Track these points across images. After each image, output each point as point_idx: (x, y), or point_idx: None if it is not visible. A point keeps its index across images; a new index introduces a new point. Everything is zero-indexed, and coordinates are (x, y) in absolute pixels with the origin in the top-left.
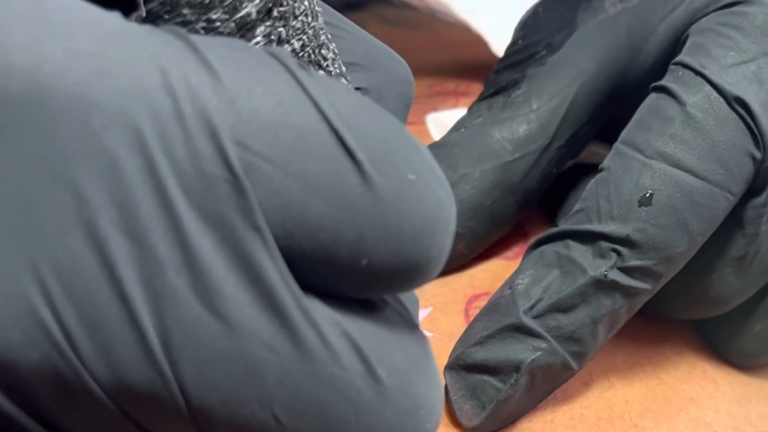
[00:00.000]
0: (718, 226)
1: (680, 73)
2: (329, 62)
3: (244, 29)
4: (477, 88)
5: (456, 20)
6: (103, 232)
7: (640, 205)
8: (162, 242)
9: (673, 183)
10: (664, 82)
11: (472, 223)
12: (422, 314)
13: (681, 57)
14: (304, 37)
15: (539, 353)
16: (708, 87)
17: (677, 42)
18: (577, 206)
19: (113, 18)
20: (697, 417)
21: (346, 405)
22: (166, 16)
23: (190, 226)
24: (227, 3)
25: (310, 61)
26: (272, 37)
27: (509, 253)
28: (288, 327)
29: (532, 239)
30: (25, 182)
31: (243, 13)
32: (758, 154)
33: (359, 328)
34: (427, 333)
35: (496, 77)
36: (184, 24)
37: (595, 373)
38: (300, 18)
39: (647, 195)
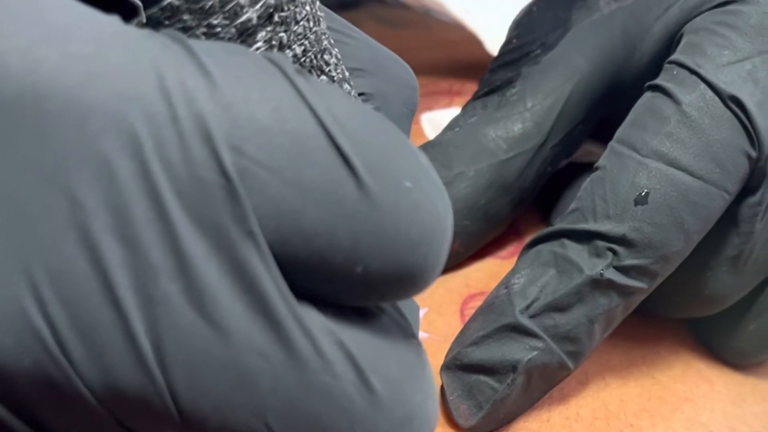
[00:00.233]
0: (714, 224)
1: (675, 72)
2: (332, 67)
3: (245, 34)
4: (471, 88)
5: (451, 19)
6: (96, 236)
7: (636, 204)
8: (155, 248)
9: (669, 182)
10: (659, 81)
11: (467, 222)
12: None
13: (676, 56)
14: (306, 42)
15: (536, 353)
16: (703, 86)
17: (672, 41)
18: (572, 205)
19: (111, 21)
20: (693, 416)
21: (338, 414)
22: (167, 22)
23: (183, 231)
24: (228, 8)
25: (312, 67)
26: (273, 42)
27: (504, 253)
28: (281, 335)
29: (527, 239)
30: (20, 186)
31: (244, 18)
32: (753, 153)
33: (353, 336)
34: (422, 334)
35: (490, 76)
36: (185, 29)
37: (591, 373)
38: (301, 23)
39: (643, 194)
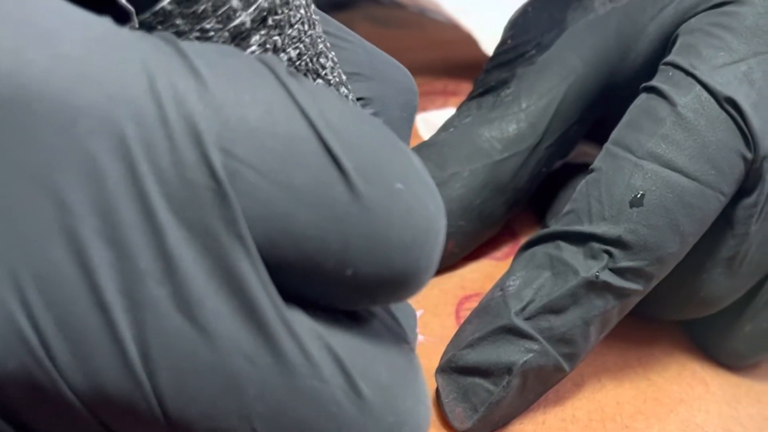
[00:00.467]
0: (709, 226)
1: (671, 74)
2: (327, 71)
3: (239, 38)
4: (466, 88)
5: (446, 19)
6: (84, 240)
7: (631, 206)
8: (143, 251)
9: (665, 184)
10: (654, 82)
11: (462, 222)
12: None
13: (671, 57)
14: (301, 45)
15: (531, 355)
16: (699, 87)
17: (667, 41)
18: (567, 207)
19: (102, 23)
20: (688, 418)
21: (326, 419)
22: (159, 27)
23: (171, 235)
24: (221, 12)
25: (308, 70)
26: (267, 45)
27: (499, 254)
28: (269, 339)
29: (522, 240)
30: (7, 188)
31: (237, 22)
32: (749, 155)
33: (343, 341)
34: (418, 337)
35: (485, 76)
36: (178, 34)
37: (587, 374)
38: (296, 26)
39: (638, 196)
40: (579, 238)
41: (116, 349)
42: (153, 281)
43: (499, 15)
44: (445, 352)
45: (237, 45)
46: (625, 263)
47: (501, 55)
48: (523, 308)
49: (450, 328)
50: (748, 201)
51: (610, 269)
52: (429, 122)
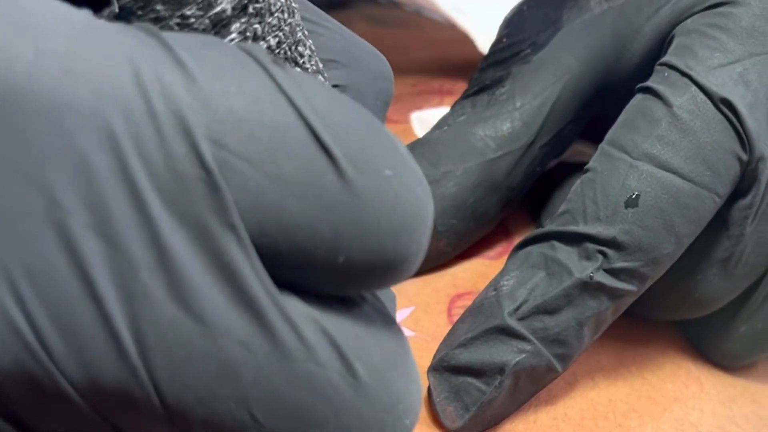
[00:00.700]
0: (704, 227)
1: (666, 74)
2: (306, 59)
3: (219, 26)
4: (462, 87)
5: (442, 18)
6: (74, 233)
7: (626, 207)
8: (136, 243)
9: (660, 185)
10: (650, 83)
11: (455, 221)
12: (404, 314)
13: (667, 58)
14: (280, 33)
15: (524, 355)
16: (694, 88)
17: (663, 42)
18: (562, 207)
19: (84, 17)
20: (682, 417)
21: (323, 402)
22: (140, 12)
23: (164, 226)
24: None
25: (286, 58)
26: (247, 33)
27: (492, 253)
28: (264, 325)
29: (516, 239)
30: None
31: (218, 9)
32: (744, 156)
33: (337, 324)
34: (409, 333)
35: (480, 75)
36: (158, 20)
37: (579, 373)
38: (276, 15)
39: (634, 196)
40: (574, 239)
41: (111, 339)
42: (147, 271)
43: (495, 14)
44: (437, 351)
45: (217, 33)
46: (619, 264)
47: (496, 54)
48: (517, 308)
49: (442, 326)
50: (744, 202)
51: (605, 270)
52: (424, 121)
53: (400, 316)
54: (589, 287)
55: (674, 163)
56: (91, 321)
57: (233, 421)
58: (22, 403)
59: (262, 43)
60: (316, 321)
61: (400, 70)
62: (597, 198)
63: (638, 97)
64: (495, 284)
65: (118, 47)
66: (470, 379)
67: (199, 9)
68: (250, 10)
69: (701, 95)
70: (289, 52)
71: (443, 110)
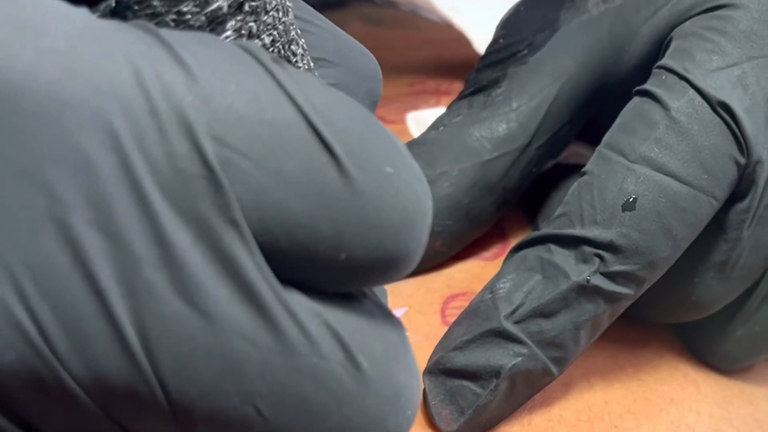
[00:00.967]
0: (701, 231)
1: (664, 77)
2: (298, 58)
3: (215, 23)
4: (459, 87)
5: (439, 18)
6: (76, 230)
7: (623, 210)
8: (139, 239)
9: (657, 188)
10: (647, 86)
11: (450, 222)
12: (398, 314)
13: (665, 61)
14: (275, 32)
15: (520, 359)
16: (692, 91)
17: (660, 44)
18: (559, 210)
19: (82, 15)
20: (678, 418)
21: (327, 395)
22: (136, 7)
23: (167, 222)
24: None
25: (280, 57)
26: (243, 31)
27: (487, 254)
28: (267, 320)
29: (512, 240)
30: None
31: (214, 6)
32: (742, 159)
33: (340, 318)
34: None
35: (476, 75)
36: (154, 15)
37: (575, 375)
38: (271, 13)
39: (631, 200)
40: (570, 242)
41: (114, 334)
42: (150, 267)
43: (492, 14)
44: (433, 354)
45: (213, 30)
46: (616, 267)
47: (493, 55)
48: (513, 311)
49: (435, 327)
50: (741, 206)
51: (602, 273)
52: (420, 121)
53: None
54: (585, 291)
55: (672, 167)
56: (95, 316)
57: (237, 416)
58: (26, 402)
59: (256, 41)
60: (319, 315)
61: (397, 70)
62: (594, 201)
63: (636, 100)
64: (491, 287)
65: (118, 45)
66: (466, 383)
67: (195, 5)
68: (246, 8)
69: (699, 98)
70: (282, 51)
71: (439, 110)
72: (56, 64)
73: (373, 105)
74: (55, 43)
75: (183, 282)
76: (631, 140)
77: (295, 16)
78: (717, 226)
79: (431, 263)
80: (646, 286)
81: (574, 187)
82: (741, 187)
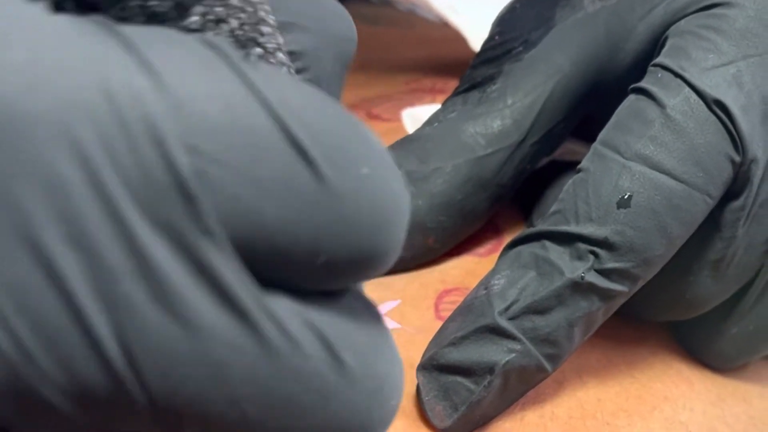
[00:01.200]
0: (696, 229)
1: (660, 75)
2: (266, 37)
3: (181, 8)
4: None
5: (435, 17)
6: (48, 247)
7: (618, 207)
8: (114, 253)
9: (652, 185)
10: (643, 83)
11: (443, 218)
12: (390, 306)
13: (660, 59)
14: (243, 15)
15: (513, 355)
16: (688, 89)
17: (656, 42)
18: (554, 207)
19: (43, 17)
20: (672, 416)
21: (313, 393)
22: None
23: (142, 234)
24: None
25: (247, 39)
26: (209, 16)
27: (482, 250)
28: (249, 325)
29: (506, 237)
30: None
31: None
32: (737, 158)
33: (321, 315)
34: (395, 324)
35: (471, 72)
36: (118, 0)
37: (568, 372)
38: None
39: (626, 197)
40: (565, 239)
41: (95, 349)
42: (127, 280)
43: (488, 13)
44: (427, 349)
45: (179, 15)
46: (611, 264)
47: (488, 51)
48: (507, 308)
49: (429, 321)
50: (736, 204)
51: (596, 270)
52: (415, 117)
53: (386, 308)
54: (580, 287)
55: (667, 164)
56: (74, 333)
57: (225, 419)
58: (10, 418)
59: (223, 25)
60: (300, 315)
61: (393, 68)
62: (589, 198)
63: (631, 98)
64: (485, 283)
65: (82, 51)
66: (459, 379)
67: None
68: None
69: (694, 96)
70: (249, 33)
71: (435, 107)
72: (19, 77)
73: (344, 68)
74: (17, 55)
75: (163, 293)
76: (627, 138)
77: None
78: (712, 224)
79: (424, 259)
80: (640, 284)
81: (569, 185)
82: (736, 186)
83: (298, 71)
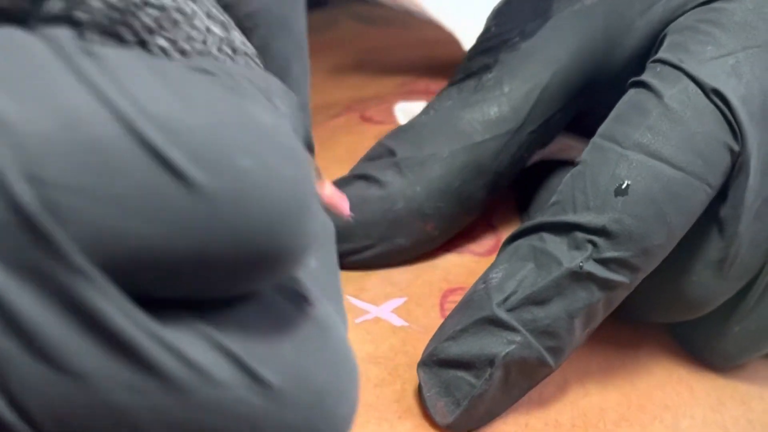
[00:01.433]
0: (697, 227)
1: (659, 69)
2: (150, 10)
3: None
4: None
5: (429, 19)
6: None
7: (616, 195)
8: None
9: (651, 173)
10: (642, 77)
11: (441, 204)
12: (397, 303)
13: (659, 54)
14: None
15: (514, 346)
16: (686, 79)
17: (655, 39)
18: (552, 199)
19: None
20: (672, 424)
21: (238, 422)
22: None
23: (2, 284)
24: None
25: (123, 18)
26: None
27: (481, 250)
28: (144, 363)
29: (504, 236)
30: None
31: None
32: (736, 147)
33: (234, 331)
34: (403, 323)
35: (467, 63)
36: None
37: (571, 379)
38: None
39: (624, 186)
40: (563, 229)
41: None
42: None
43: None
44: (427, 347)
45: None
46: (609, 254)
47: (484, 43)
48: (506, 299)
49: (435, 319)
50: (736, 197)
51: (595, 260)
52: (408, 112)
53: (393, 305)
54: (578, 277)
55: (665, 153)
56: None
57: None
58: None
59: (93, 2)
60: (206, 336)
61: (386, 69)
62: (587, 188)
63: (630, 92)
64: (484, 278)
65: None
66: (460, 373)
67: None
68: None
69: (693, 86)
70: (130, 8)
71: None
72: None
73: None
74: None
75: (37, 345)
76: (625, 128)
77: None
78: (713, 222)
79: (425, 248)
80: (641, 276)
81: (567, 177)
82: (735, 178)
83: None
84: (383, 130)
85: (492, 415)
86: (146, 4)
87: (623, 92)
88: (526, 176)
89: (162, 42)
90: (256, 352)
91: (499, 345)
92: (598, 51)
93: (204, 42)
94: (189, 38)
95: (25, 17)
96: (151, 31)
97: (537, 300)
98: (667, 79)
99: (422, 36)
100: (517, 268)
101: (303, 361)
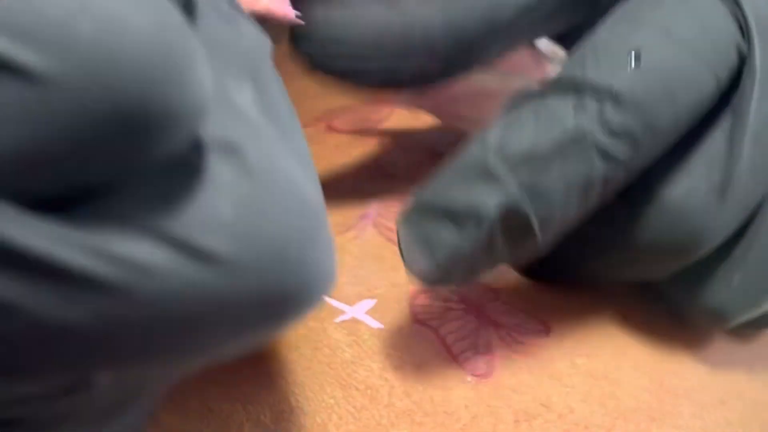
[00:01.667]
0: (703, 147)
1: None
2: None
3: None
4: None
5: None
6: None
7: (628, 59)
8: None
9: (665, 46)
10: None
11: (452, 46)
12: (367, 305)
13: None
14: None
15: (504, 199)
16: None
17: None
18: (562, 69)
19: None
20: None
21: (198, 307)
22: None
23: None
24: None
25: None
26: None
27: None
28: (68, 276)
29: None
30: None
31: None
32: (744, 47)
33: (162, 212)
34: (378, 325)
35: None
36: None
37: (553, 396)
38: None
39: (637, 52)
40: (569, 86)
41: None
42: None
43: None
44: (412, 197)
45: None
46: (615, 118)
47: None
48: (502, 148)
49: (407, 320)
50: (741, 107)
51: (600, 123)
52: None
53: (364, 307)
54: (581, 142)
55: (680, 32)
56: None
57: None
58: None
59: None
60: (138, 226)
61: None
62: (598, 51)
63: None
64: (481, 134)
65: None
66: (443, 224)
67: None
68: None
69: None
70: None
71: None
72: None
73: None
74: None
75: None
76: (640, 10)
77: None
78: (719, 139)
79: (417, 82)
80: (641, 159)
81: (579, 47)
82: (741, 87)
83: None
84: (342, 140)
85: (469, 278)
86: None
87: None
88: None
89: None
90: (190, 225)
91: (489, 196)
92: None
93: None
94: None
95: None
96: None
97: (536, 157)
98: None
99: None
100: (517, 124)
101: (247, 219)
